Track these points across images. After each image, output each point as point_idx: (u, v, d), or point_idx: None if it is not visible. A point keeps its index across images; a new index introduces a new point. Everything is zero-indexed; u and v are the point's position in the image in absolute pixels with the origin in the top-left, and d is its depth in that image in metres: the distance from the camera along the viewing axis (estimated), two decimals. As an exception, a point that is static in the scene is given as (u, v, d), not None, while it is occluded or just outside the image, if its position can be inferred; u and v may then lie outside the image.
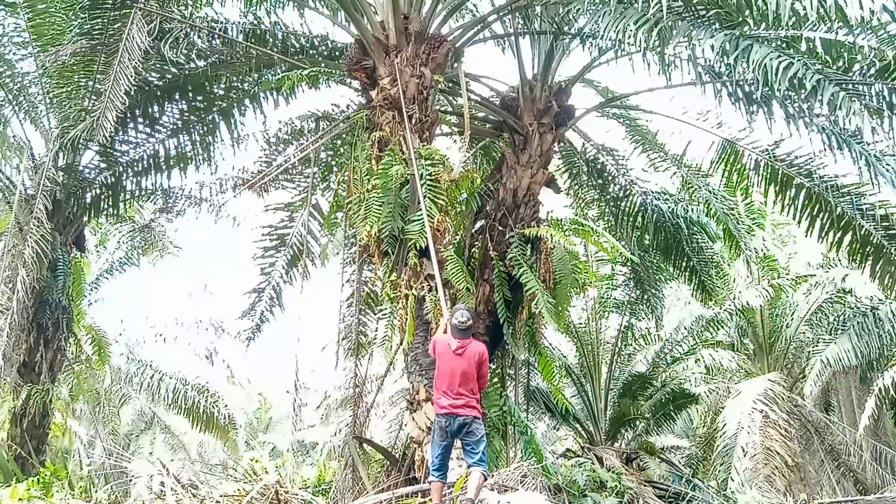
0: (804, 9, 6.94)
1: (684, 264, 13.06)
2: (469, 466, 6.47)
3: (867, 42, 7.78)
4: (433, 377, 7.03)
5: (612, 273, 14.96)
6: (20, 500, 7.81)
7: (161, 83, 11.56)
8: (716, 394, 17.27)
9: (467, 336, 6.61)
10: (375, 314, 12.44)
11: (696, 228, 12.72)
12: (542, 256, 10.05)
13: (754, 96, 9.49)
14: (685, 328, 16.01)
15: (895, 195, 10.05)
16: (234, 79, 11.88)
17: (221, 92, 12.08)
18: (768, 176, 10.93)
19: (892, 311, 13.60)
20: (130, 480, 7.68)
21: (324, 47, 11.45)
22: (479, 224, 10.94)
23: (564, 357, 15.19)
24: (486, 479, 6.55)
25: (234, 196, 13.49)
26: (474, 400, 6.46)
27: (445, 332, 7.10)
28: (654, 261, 13.63)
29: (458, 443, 6.70)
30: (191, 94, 11.95)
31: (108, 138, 9.96)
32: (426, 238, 8.36)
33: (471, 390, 6.45)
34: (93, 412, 17.22)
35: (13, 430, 12.31)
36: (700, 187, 12.49)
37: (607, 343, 15.22)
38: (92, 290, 16.19)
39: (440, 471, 6.50)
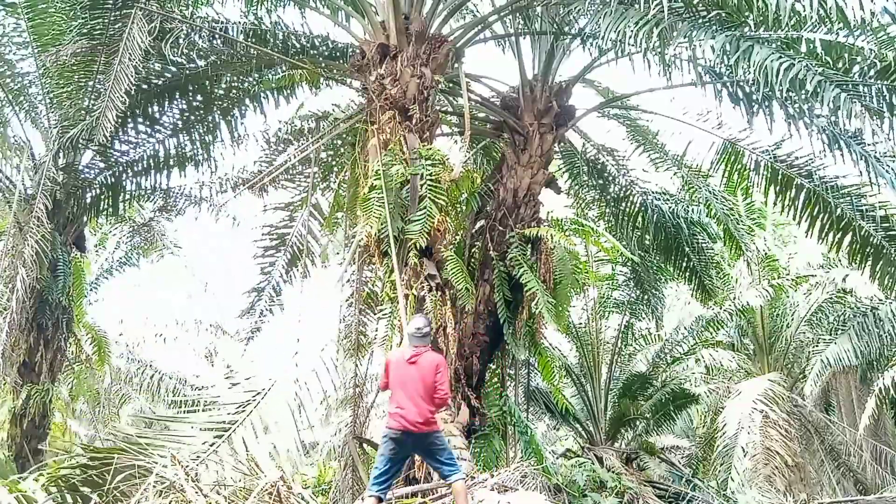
0: (804, 10, 6.94)
1: (684, 265, 13.07)
2: (445, 478, 5.95)
3: (867, 43, 7.80)
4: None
5: (612, 273, 14.96)
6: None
7: (161, 83, 11.52)
8: (716, 394, 17.27)
9: (425, 343, 6.09)
10: (375, 314, 12.44)
11: (696, 229, 12.73)
12: (542, 256, 10.06)
13: (755, 97, 9.50)
14: (685, 328, 16.00)
15: (895, 196, 10.08)
16: (235, 78, 11.87)
17: (222, 92, 12.07)
18: (769, 176, 10.95)
19: (892, 311, 13.61)
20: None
21: (324, 47, 11.45)
22: (479, 224, 10.92)
23: (564, 357, 15.17)
24: (466, 481, 6.11)
25: (235, 196, 13.51)
26: (430, 413, 5.82)
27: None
28: (655, 261, 13.64)
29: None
30: (191, 94, 11.92)
31: (108, 138, 9.95)
32: (426, 238, 8.37)
33: (426, 402, 5.80)
34: (93, 412, 17.23)
35: (13, 430, 12.31)
36: (700, 188, 12.50)
37: (607, 343, 15.21)
38: (92, 290, 16.19)
39: (381, 485, 5.84)
